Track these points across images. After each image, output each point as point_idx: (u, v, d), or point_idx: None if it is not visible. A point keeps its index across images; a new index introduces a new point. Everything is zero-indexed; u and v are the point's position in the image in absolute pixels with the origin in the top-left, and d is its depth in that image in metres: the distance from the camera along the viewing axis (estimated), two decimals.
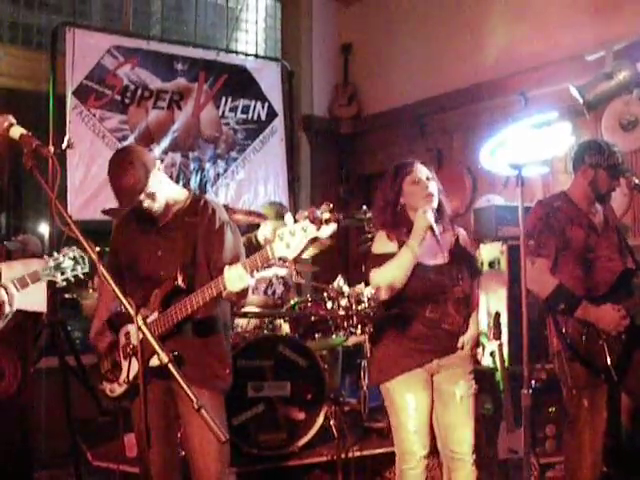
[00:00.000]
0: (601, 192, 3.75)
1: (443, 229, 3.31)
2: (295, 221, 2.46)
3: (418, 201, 3.22)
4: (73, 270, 2.93)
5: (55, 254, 3.05)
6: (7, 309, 2.90)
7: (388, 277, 3.13)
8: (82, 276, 2.96)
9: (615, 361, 3.52)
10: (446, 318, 3.19)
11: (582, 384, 3.58)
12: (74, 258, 2.91)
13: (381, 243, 3.27)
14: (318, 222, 2.41)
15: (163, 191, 2.98)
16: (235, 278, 2.63)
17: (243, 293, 2.78)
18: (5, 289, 2.89)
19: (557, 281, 3.55)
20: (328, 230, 2.44)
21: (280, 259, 2.56)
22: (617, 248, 3.79)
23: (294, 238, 2.45)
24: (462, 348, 3.24)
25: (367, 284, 3.50)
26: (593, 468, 3.61)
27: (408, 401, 3.18)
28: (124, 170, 2.88)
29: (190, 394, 1.90)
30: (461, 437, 3.24)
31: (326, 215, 2.41)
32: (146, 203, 2.91)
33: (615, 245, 3.78)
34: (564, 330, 3.56)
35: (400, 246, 3.17)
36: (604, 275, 3.67)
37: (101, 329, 3.05)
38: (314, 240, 2.48)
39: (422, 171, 3.31)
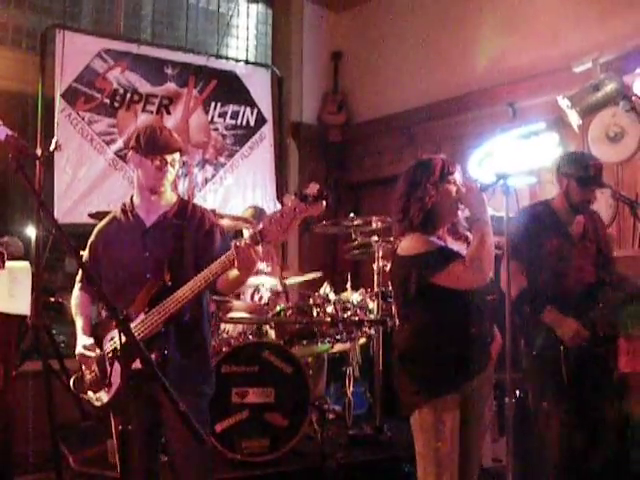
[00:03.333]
0: (574, 202, 3.83)
1: (461, 237, 3.12)
2: (282, 204, 2.49)
3: (449, 202, 2.99)
4: None
5: None
6: None
7: (487, 258, 2.85)
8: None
9: (574, 366, 3.64)
10: (482, 332, 3.00)
11: (542, 386, 3.71)
12: None
13: (424, 241, 2.93)
14: (308, 200, 2.43)
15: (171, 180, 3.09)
16: (244, 253, 2.62)
17: (251, 268, 2.75)
18: None
19: (524, 284, 3.64)
20: (318, 207, 2.46)
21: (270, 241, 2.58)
22: (592, 259, 3.85)
23: (284, 219, 2.49)
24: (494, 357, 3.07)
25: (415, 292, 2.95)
26: (556, 469, 3.73)
27: (445, 421, 2.91)
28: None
29: (174, 397, 1.89)
30: (476, 461, 3.11)
31: (315, 193, 2.43)
32: (171, 169, 3.02)
33: (591, 256, 3.86)
34: (527, 332, 3.65)
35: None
36: (573, 285, 3.79)
37: (88, 347, 2.98)
38: (305, 219, 2.50)
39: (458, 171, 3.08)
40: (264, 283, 5.01)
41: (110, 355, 2.90)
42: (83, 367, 3.02)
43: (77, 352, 3.00)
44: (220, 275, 2.77)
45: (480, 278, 2.87)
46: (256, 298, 5.07)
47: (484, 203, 2.94)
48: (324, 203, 2.46)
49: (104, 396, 2.94)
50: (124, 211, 3.13)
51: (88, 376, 2.99)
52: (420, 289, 2.91)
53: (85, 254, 3.12)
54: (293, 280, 5.41)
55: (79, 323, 3.09)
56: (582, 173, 3.78)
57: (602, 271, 3.91)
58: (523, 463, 3.70)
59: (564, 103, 5.07)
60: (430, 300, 2.93)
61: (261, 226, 2.57)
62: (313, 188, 2.44)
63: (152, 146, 3.00)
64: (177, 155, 3.05)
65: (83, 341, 3.00)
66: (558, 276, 3.78)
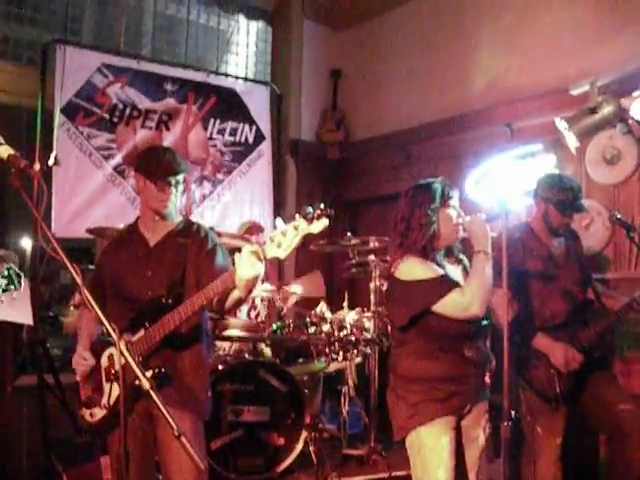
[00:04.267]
0: (552, 226, 3.84)
1: (455, 260, 3.13)
2: (285, 222, 2.49)
3: (449, 227, 3.01)
4: (5, 290, 2.63)
5: None
6: None
7: (482, 291, 2.88)
8: (15, 295, 2.64)
9: (565, 390, 3.64)
10: (480, 356, 3.00)
11: (536, 412, 3.67)
12: (9, 276, 2.63)
13: (423, 267, 2.94)
14: (310, 218, 2.44)
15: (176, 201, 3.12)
16: (247, 264, 2.60)
17: (253, 283, 2.73)
18: None
19: (513, 312, 3.55)
20: (320, 225, 2.46)
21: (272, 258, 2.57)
22: (578, 279, 3.86)
23: (285, 238, 2.48)
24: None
25: (410, 317, 2.96)
26: None
27: (443, 444, 2.91)
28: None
29: (170, 421, 1.88)
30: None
31: (318, 211, 2.44)
32: (175, 191, 3.05)
33: (576, 276, 3.86)
34: (518, 358, 3.60)
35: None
36: (560, 306, 3.78)
37: (83, 355, 3.02)
38: (306, 237, 2.50)
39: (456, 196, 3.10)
40: (261, 294, 4.99)
41: (106, 373, 2.91)
42: (79, 381, 3.03)
43: (74, 360, 3.05)
44: (220, 292, 2.77)
45: (476, 310, 2.88)
46: (253, 315, 5.07)
47: (488, 235, 2.97)
48: (326, 222, 2.47)
49: (99, 413, 2.95)
50: (129, 231, 3.18)
51: (84, 391, 3.01)
52: (418, 315, 2.93)
53: (92, 273, 3.18)
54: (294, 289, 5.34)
55: (80, 337, 3.12)
56: (561, 197, 3.78)
57: (587, 290, 3.92)
58: None
59: (562, 125, 5.09)
60: (427, 325, 2.95)
61: (263, 243, 2.57)
62: (316, 207, 2.46)
63: (155, 170, 3.02)
64: (181, 177, 3.07)
65: (80, 351, 3.04)
66: (545, 298, 3.76)
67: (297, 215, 2.48)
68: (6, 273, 2.63)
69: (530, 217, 4.05)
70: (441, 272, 2.95)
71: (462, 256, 3.17)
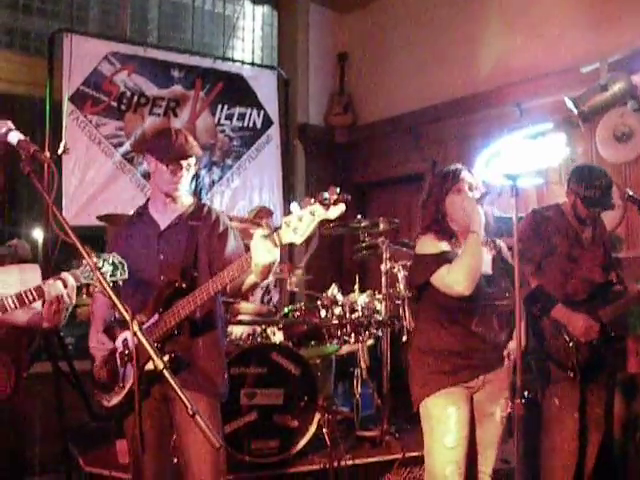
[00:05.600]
0: (580, 216, 3.88)
1: (485, 241, 3.19)
2: (301, 207, 2.47)
3: (458, 212, 3.14)
4: (112, 275, 2.66)
5: (94, 258, 2.71)
6: (67, 301, 2.72)
7: (466, 269, 2.98)
8: (121, 282, 2.69)
9: (583, 362, 3.67)
10: (490, 333, 3.09)
11: (553, 383, 3.72)
12: (113, 263, 2.66)
13: (431, 244, 3.14)
14: (326, 204, 2.42)
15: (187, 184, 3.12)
16: (263, 250, 2.56)
17: (269, 269, 2.70)
18: (63, 281, 2.72)
19: (536, 283, 3.71)
20: (337, 210, 2.44)
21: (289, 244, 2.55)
22: (600, 262, 3.91)
23: (301, 223, 2.45)
24: (506, 359, 3.12)
25: (416, 288, 3.23)
26: (565, 469, 3.68)
27: (449, 414, 3.03)
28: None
29: (185, 400, 1.89)
30: (489, 457, 3.18)
31: (334, 196, 2.42)
32: (187, 173, 3.06)
33: (599, 259, 3.92)
34: (537, 330, 3.69)
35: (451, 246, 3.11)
36: (583, 284, 3.84)
37: (100, 339, 3.02)
38: (322, 222, 2.48)
39: (467, 181, 3.19)
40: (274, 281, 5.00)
41: (122, 356, 2.92)
42: (96, 365, 3.04)
43: (90, 345, 3.04)
44: (237, 278, 2.74)
45: (459, 288, 2.99)
46: (266, 300, 5.08)
47: (477, 215, 3.05)
48: (344, 207, 2.46)
49: (115, 397, 2.96)
50: (140, 214, 3.17)
51: (101, 375, 3.01)
52: (425, 287, 3.12)
53: None
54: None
55: (94, 321, 3.13)
56: (588, 194, 3.82)
57: (609, 272, 3.94)
58: (531, 464, 3.71)
59: (572, 103, 5.06)
60: (434, 298, 3.11)
61: (279, 227, 2.54)
62: (332, 192, 2.44)
63: (167, 152, 3.02)
64: (192, 160, 3.07)
65: (95, 335, 3.04)
66: (568, 277, 3.82)
67: (312, 200, 2.45)
68: (111, 261, 2.66)
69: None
70: (443, 248, 3.10)
71: (499, 241, 3.30)
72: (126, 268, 2.68)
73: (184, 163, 3.03)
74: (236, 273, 2.70)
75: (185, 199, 3.15)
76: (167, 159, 3.01)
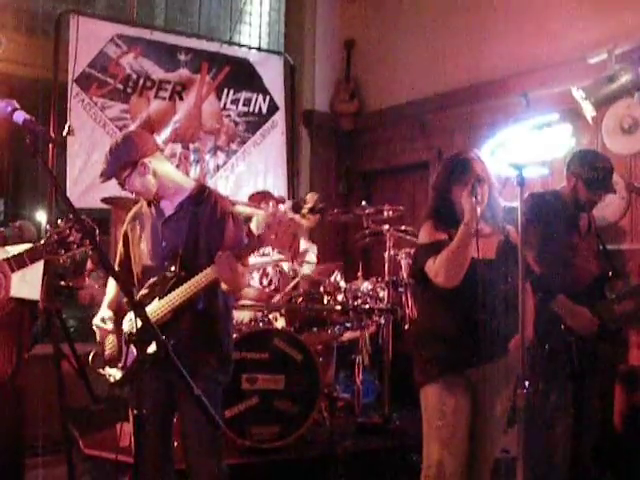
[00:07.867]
0: (580, 201, 3.85)
1: (491, 225, 3.20)
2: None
3: (462, 204, 3.08)
4: (80, 246, 2.57)
5: (59, 225, 2.69)
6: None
7: (447, 262, 2.97)
8: (90, 252, 2.63)
9: (580, 358, 3.66)
10: (491, 320, 3.01)
11: (549, 377, 3.67)
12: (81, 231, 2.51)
13: (429, 232, 3.15)
14: (301, 211, 2.46)
15: (167, 175, 3.08)
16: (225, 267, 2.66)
17: (235, 282, 2.86)
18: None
19: (537, 270, 3.66)
20: (311, 219, 2.48)
21: None
22: (595, 253, 3.89)
23: (280, 227, 2.64)
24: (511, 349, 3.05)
25: (419, 276, 3.21)
26: (563, 463, 3.68)
27: (447, 403, 3.02)
28: (120, 140, 3.09)
29: (189, 381, 1.90)
30: (489, 454, 3.17)
31: (310, 203, 2.46)
32: (139, 179, 3.01)
33: (594, 250, 3.90)
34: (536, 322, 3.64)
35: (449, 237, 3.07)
36: (581, 274, 3.82)
37: (108, 315, 3.08)
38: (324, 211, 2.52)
39: (476, 169, 3.18)
40: (273, 259, 4.96)
41: (126, 336, 2.95)
42: (101, 342, 3.08)
43: (94, 322, 3.09)
44: (205, 284, 2.86)
45: (440, 279, 3.00)
46: (265, 282, 5.05)
47: (471, 208, 3.00)
48: (317, 217, 2.49)
49: (118, 374, 3.01)
50: (149, 202, 3.17)
51: (107, 352, 3.05)
52: (422, 274, 3.11)
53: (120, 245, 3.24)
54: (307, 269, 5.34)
55: (105, 298, 3.19)
56: (591, 175, 3.80)
57: (605, 265, 3.93)
58: (531, 454, 3.71)
59: (578, 94, 5.03)
60: (431, 285, 3.08)
61: (261, 232, 2.60)
62: (310, 200, 2.46)
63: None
64: (148, 159, 3.04)
65: (102, 313, 3.10)
66: (567, 266, 3.79)
67: (291, 206, 2.53)
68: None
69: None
70: (439, 237, 3.09)
71: (508, 227, 3.25)
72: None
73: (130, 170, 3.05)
74: (203, 283, 2.85)
75: (184, 184, 3.14)
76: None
